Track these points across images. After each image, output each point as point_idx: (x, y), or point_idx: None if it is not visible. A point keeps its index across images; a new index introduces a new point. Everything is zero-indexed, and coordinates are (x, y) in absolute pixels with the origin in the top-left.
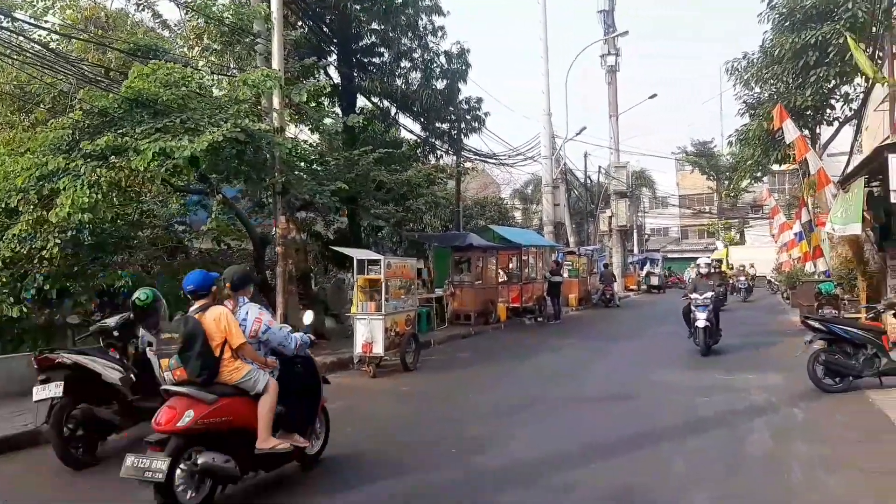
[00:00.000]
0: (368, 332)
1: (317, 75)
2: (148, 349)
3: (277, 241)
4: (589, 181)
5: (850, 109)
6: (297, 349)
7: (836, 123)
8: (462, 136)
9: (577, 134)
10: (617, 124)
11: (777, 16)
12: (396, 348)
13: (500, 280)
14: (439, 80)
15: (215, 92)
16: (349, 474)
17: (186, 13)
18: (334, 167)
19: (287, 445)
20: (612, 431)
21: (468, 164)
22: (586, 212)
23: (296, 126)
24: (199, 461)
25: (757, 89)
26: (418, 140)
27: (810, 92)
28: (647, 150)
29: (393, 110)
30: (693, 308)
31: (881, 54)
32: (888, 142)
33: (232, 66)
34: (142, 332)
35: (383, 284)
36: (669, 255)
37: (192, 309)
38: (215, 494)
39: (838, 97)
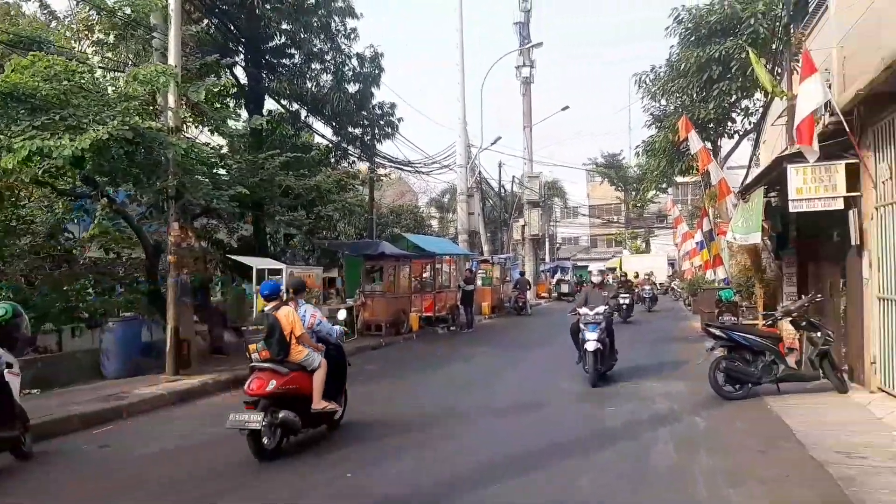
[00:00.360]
0: None
1: (221, 74)
2: (6, 371)
3: (170, 248)
4: (503, 190)
5: (750, 123)
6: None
7: (736, 136)
8: (375, 142)
9: (493, 144)
10: (531, 135)
11: (683, 30)
12: None
13: (412, 289)
14: (351, 83)
15: (110, 90)
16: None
17: (77, 3)
18: (236, 171)
19: (331, 407)
20: (521, 445)
21: (382, 171)
22: (500, 221)
23: (197, 128)
24: (280, 416)
25: (663, 102)
26: (330, 145)
27: (713, 105)
28: (559, 160)
29: (303, 113)
30: (581, 326)
31: (780, 69)
32: (786, 153)
33: (129, 61)
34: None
35: (284, 295)
36: (579, 263)
37: (267, 308)
38: (283, 442)
39: (739, 111)
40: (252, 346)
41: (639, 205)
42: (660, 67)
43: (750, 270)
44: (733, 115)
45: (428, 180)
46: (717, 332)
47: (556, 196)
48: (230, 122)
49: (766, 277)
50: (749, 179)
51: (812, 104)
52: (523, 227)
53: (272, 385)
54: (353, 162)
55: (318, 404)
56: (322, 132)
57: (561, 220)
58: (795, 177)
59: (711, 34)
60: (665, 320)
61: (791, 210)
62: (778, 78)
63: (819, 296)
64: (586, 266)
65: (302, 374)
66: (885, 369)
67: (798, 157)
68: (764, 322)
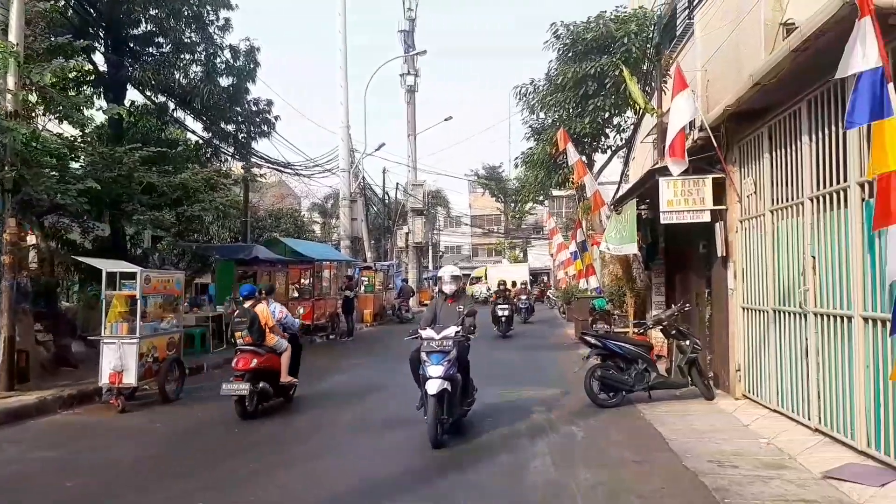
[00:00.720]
0: (118, 358)
1: (74, 57)
2: None
3: (4, 248)
4: (387, 197)
5: (622, 139)
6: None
7: (609, 152)
8: (250, 140)
9: (377, 150)
10: (415, 143)
11: (561, 45)
12: (155, 376)
13: (289, 296)
14: (224, 76)
15: None
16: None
17: None
18: (89, 164)
19: (292, 381)
20: (395, 463)
21: (257, 171)
22: (384, 228)
23: (45, 115)
24: (260, 385)
25: (542, 115)
26: (200, 141)
27: (588, 120)
28: (442, 170)
29: (171, 106)
30: (423, 356)
31: (651, 88)
32: (658, 166)
33: None
34: None
35: (139, 302)
36: (465, 273)
37: (247, 305)
38: (258, 407)
39: (612, 127)
40: (238, 333)
41: (517, 216)
42: (539, 81)
43: (621, 280)
44: (607, 130)
45: (310, 184)
46: (593, 341)
47: (440, 205)
48: (85, 111)
49: (637, 287)
50: (620, 193)
51: (683, 118)
52: (407, 234)
53: (254, 363)
54: (226, 160)
55: (285, 378)
56: (192, 127)
57: (444, 229)
58: (667, 189)
59: (588, 51)
60: (541, 326)
61: (662, 221)
62: (648, 96)
63: (688, 305)
64: (466, 275)
65: (273, 355)
66: (749, 377)
67: (669, 172)
68: (635, 330)
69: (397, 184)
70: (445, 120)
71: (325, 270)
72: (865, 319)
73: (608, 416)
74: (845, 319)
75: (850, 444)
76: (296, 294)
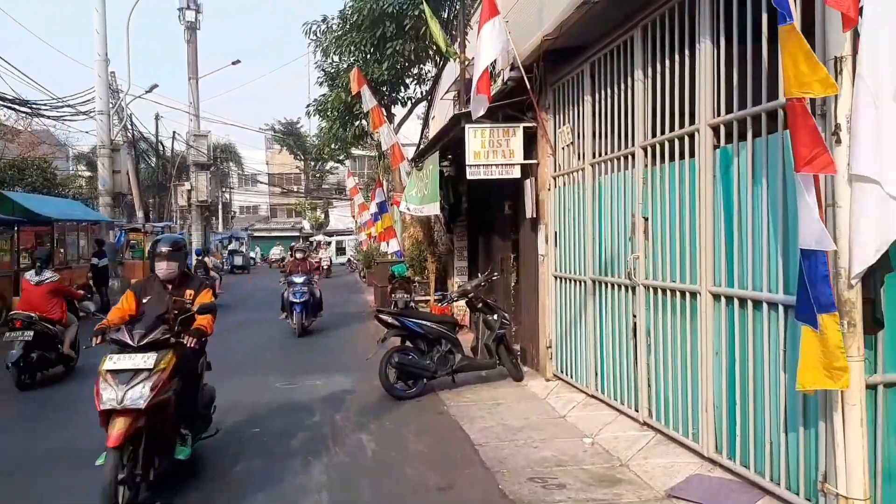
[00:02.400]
0: None
1: None
2: None
3: None
4: (162, 148)
5: (423, 92)
6: None
7: (409, 104)
8: None
9: (148, 91)
10: (197, 88)
11: None
12: None
13: (19, 266)
14: None
15: None
16: None
17: None
18: None
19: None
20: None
21: None
22: (157, 183)
23: None
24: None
25: (336, 58)
26: None
27: (387, 65)
28: (234, 121)
29: None
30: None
31: (455, 32)
32: (465, 111)
33: None
34: None
35: None
36: (257, 234)
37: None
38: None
39: (412, 77)
40: None
41: (318, 175)
42: (332, 19)
43: (422, 244)
44: (407, 80)
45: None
46: (389, 320)
47: (231, 161)
48: None
49: (439, 251)
50: (422, 147)
51: (492, 51)
52: (189, 191)
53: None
54: None
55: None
56: None
57: (239, 188)
58: (473, 139)
59: None
60: (338, 290)
61: (469, 177)
62: (453, 41)
63: (496, 274)
64: (265, 237)
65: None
66: (563, 355)
67: (478, 121)
68: (436, 301)
69: (174, 132)
70: (233, 63)
71: (73, 234)
72: (716, 296)
73: (407, 413)
74: (687, 295)
75: (692, 447)
76: (29, 263)
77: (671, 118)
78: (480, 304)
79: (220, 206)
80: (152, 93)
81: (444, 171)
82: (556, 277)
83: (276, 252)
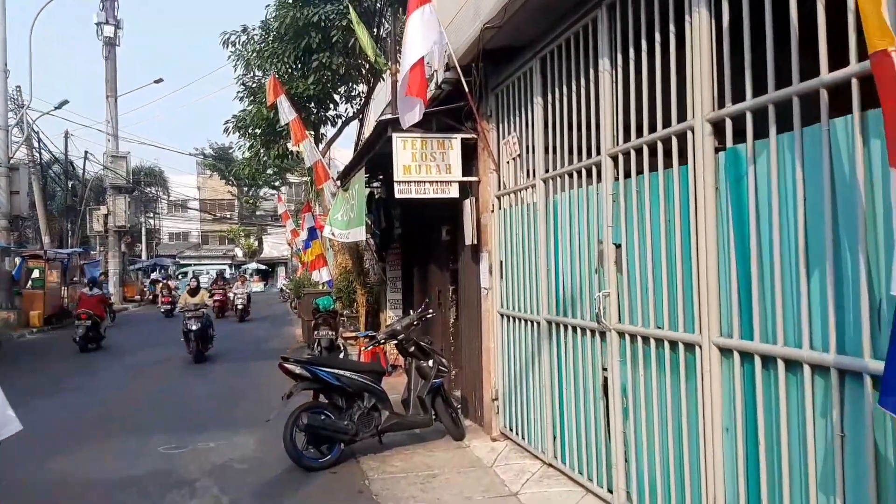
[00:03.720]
0: None
1: None
2: None
3: None
4: (72, 168)
5: (353, 110)
6: None
7: (339, 123)
8: None
9: (58, 107)
10: (115, 106)
11: None
12: None
13: None
14: None
15: None
16: None
17: None
18: None
19: None
20: None
21: None
22: (66, 207)
23: None
24: None
25: (258, 72)
26: None
27: (313, 79)
28: (159, 143)
29: None
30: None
31: (387, 43)
32: (392, 116)
33: None
34: None
35: None
36: (186, 262)
37: None
38: None
39: (341, 95)
40: None
41: (250, 201)
42: (253, 29)
43: (351, 273)
44: (336, 97)
45: None
46: (297, 370)
47: (157, 185)
48: None
49: (370, 281)
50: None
51: (423, 45)
52: (106, 216)
53: None
54: None
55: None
56: None
57: (168, 214)
58: (402, 151)
59: None
60: (262, 330)
61: (397, 195)
62: (382, 49)
63: (430, 311)
64: (197, 264)
65: None
66: (511, 408)
67: (408, 130)
68: (364, 346)
69: (86, 152)
70: (156, 82)
71: None
72: (724, 350)
73: (316, 492)
74: (681, 347)
75: None
76: None
77: (650, 116)
78: (413, 348)
79: (143, 232)
80: (63, 110)
81: (374, 193)
82: (502, 315)
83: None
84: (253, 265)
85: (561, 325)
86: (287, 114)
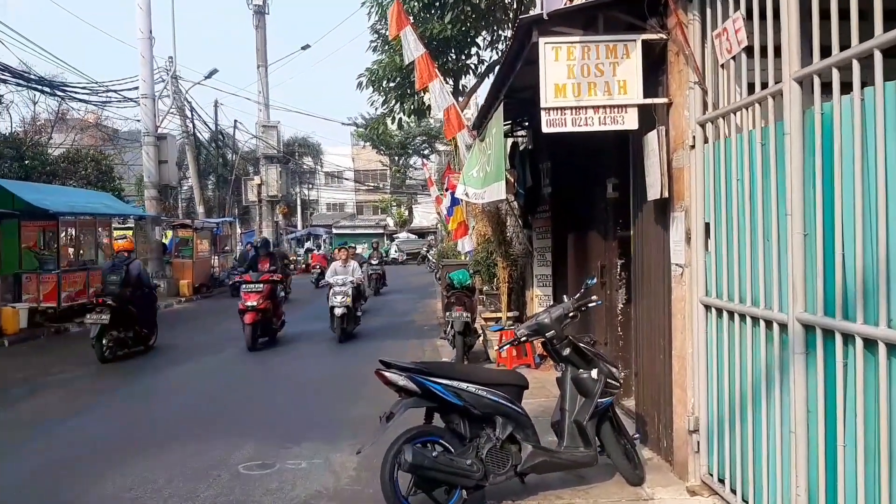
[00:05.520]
0: None
1: None
2: None
3: None
4: (221, 138)
5: (498, 54)
6: None
7: (481, 70)
8: None
9: (207, 77)
10: (266, 76)
11: None
12: None
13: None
14: None
15: None
16: None
17: None
18: None
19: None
20: None
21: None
22: (219, 177)
23: None
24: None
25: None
26: None
27: (451, 17)
28: (310, 112)
29: None
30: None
31: None
32: (538, 14)
33: None
34: None
35: None
36: (341, 232)
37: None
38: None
39: (484, 39)
40: None
41: (401, 170)
42: None
43: (490, 243)
44: (478, 41)
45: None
46: (401, 382)
47: (309, 154)
48: None
49: (513, 253)
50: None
51: None
52: (259, 186)
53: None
54: None
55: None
56: None
57: (327, 184)
58: (553, 64)
59: None
60: (407, 301)
61: (545, 129)
62: None
63: (595, 299)
64: (349, 234)
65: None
66: (721, 447)
67: (559, 26)
68: (499, 346)
69: (235, 121)
70: (302, 49)
71: (91, 229)
72: None
73: None
74: None
75: None
76: (37, 264)
77: None
78: (568, 351)
79: (298, 203)
80: (212, 79)
81: (518, 144)
82: (708, 307)
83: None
84: (404, 235)
85: (836, 332)
86: (413, 49)
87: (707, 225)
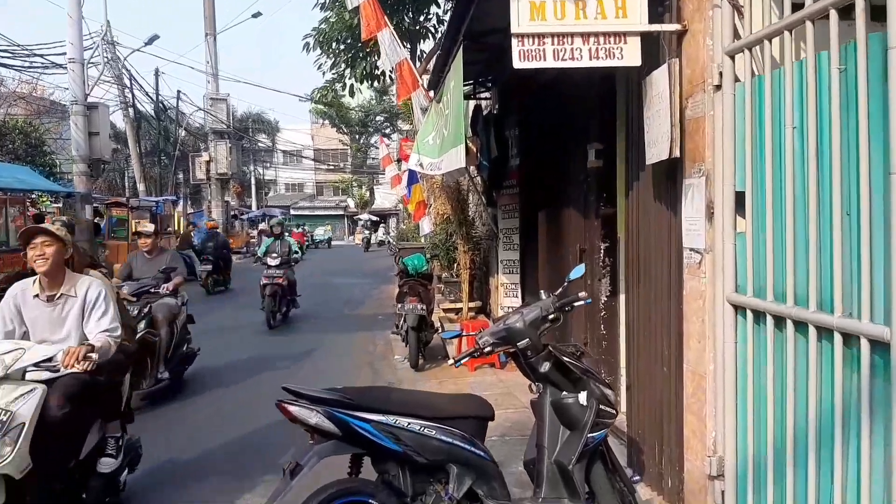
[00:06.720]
0: None
1: None
2: None
3: None
4: (162, 109)
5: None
6: None
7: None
8: None
9: (147, 43)
10: (215, 45)
11: None
12: None
13: None
14: None
15: None
16: None
17: None
18: None
19: None
20: None
21: None
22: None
23: None
24: None
25: None
26: None
27: None
28: (265, 85)
29: None
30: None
31: None
32: None
33: None
34: None
35: None
36: (300, 213)
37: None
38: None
39: None
40: None
41: (360, 149)
42: None
43: (450, 223)
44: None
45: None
46: (314, 419)
47: (265, 132)
48: None
49: (475, 235)
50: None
51: None
52: (208, 163)
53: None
54: None
55: None
56: None
57: (286, 164)
58: None
59: None
60: (367, 285)
61: (517, 64)
62: None
63: (584, 296)
64: (308, 216)
65: None
66: (756, 496)
67: None
68: (455, 360)
69: (179, 91)
70: (253, 16)
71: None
72: None
73: None
74: None
75: None
76: None
77: None
78: (547, 367)
79: (252, 182)
80: (153, 46)
81: (481, 107)
82: (738, 308)
83: (319, 233)
84: (365, 216)
85: None
86: None
87: (739, 195)
